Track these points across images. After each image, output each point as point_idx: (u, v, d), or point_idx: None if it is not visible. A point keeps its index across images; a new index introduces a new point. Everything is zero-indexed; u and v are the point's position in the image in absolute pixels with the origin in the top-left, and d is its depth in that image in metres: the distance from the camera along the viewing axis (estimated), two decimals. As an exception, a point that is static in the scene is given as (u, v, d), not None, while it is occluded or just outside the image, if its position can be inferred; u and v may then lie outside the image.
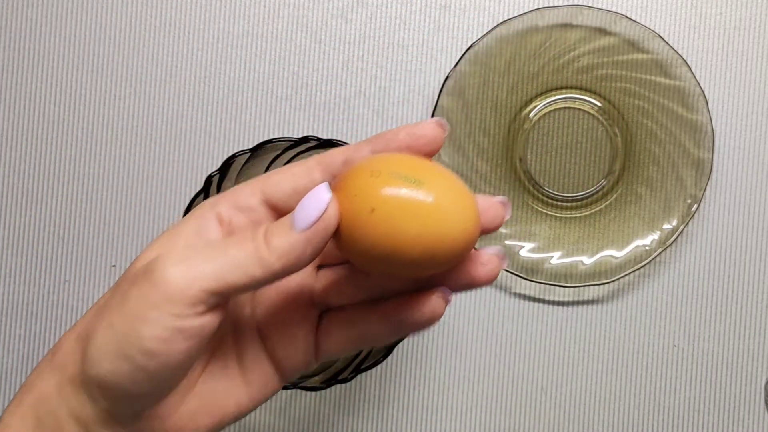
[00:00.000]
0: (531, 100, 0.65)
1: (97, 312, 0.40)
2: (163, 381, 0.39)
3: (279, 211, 0.42)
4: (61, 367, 0.40)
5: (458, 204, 0.40)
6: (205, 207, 0.41)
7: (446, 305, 0.42)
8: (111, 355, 0.38)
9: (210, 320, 0.38)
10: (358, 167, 0.40)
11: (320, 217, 0.38)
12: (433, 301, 0.42)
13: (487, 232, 0.41)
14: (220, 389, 0.41)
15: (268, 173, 0.42)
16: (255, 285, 0.38)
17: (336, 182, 0.40)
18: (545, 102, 0.65)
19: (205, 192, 0.57)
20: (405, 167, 0.40)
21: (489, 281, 0.42)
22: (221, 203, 0.41)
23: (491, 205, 0.41)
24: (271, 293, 0.43)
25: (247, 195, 0.41)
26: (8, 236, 0.65)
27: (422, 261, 0.40)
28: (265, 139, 0.59)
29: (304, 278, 0.43)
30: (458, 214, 0.40)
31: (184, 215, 0.57)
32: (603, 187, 0.66)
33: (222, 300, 0.38)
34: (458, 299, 0.65)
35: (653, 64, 0.64)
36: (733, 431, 0.65)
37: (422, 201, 0.39)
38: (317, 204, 0.38)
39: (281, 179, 0.41)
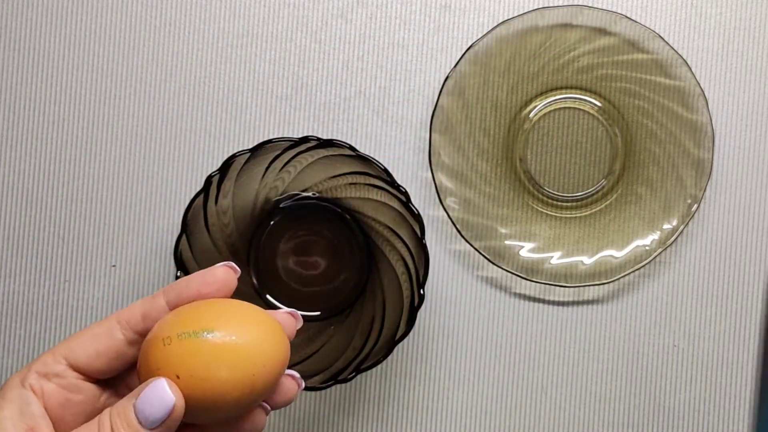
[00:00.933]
0: (531, 100, 0.65)
1: None
2: None
3: (84, 373, 0.44)
4: None
5: (259, 334, 0.42)
6: (14, 384, 0.42)
7: (267, 416, 0.45)
8: None
9: None
10: (151, 337, 0.42)
11: (169, 416, 0.40)
12: (257, 417, 0.44)
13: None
14: None
15: (69, 338, 0.44)
16: None
17: (139, 357, 0.42)
18: (545, 102, 0.65)
19: (205, 192, 0.57)
20: (194, 320, 0.42)
21: (291, 400, 0.46)
22: (29, 376, 0.43)
23: (284, 318, 0.45)
24: None
25: (51, 363, 0.43)
26: (8, 236, 0.65)
27: (242, 398, 0.42)
28: (265, 139, 0.59)
29: None
30: (260, 344, 0.42)
31: (184, 215, 0.57)
32: (603, 187, 0.66)
33: None
34: (458, 299, 0.65)
35: (653, 64, 0.64)
36: (732, 431, 0.65)
37: (221, 347, 0.41)
38: (164, 405, 0.40)
39: (82, 344, 0.43)
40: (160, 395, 0.40)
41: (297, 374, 0.46)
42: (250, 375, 0.42)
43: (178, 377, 0.41)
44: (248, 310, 0.44)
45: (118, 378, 0.46)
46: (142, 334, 0.44)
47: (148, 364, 0.42)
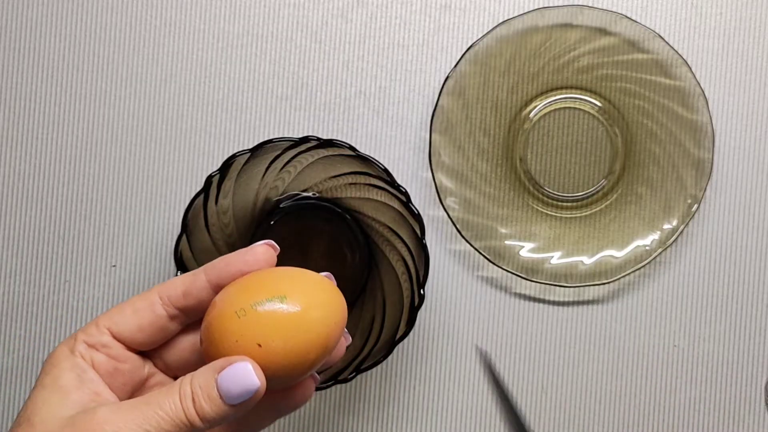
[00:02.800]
0: (531, 100, 0.65)
1: None
2: None
3: (129, 344, 0.45)
4: None
5: (325, 297, 0.44)
6: (66, 354, 0.44)
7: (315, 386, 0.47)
8: None
9: None
10: (219, 312, 0.43)
11: (251, 397, 0.41)
12: (308, 386, 0.46)
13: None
14: None
15: (110, 310, 0.45)
16: None
17: (208, 332, 0.43)
18: (545, 102, 0.65)
19: (205, 192, 0.57)
20: (264, 290, 0.43)
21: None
22: (78, 346, 0.44)
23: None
24: None
25: (96, 334, 0.44)
26: (8, 236, 0.65)
27: (317, 360, 0.43)
28: (265, 139, 0.59)
29: None
30: (329, 306, 0.44)
31: (185, 215, 0.57)
32: (603, 187, 0.66)
33: None
34: (458, 299, 0.65)
35: (653, 64, 0.64)
36: (732, 431, 0.65)
37: (297, 313, 0.42)
38: (248, 386, 0.41)
39: (125, 317, 0.44)
40: (245, 377, 0.41)
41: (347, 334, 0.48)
42: (324, 336, 0.43)
43: (259, 346, 0.42)
44: (308, 275, 0.45)
45: (153, 351, 0.47)
46: (183, 311, 0.45)
47: (223, 337, 0.42)
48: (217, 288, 0.45)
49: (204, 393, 0.41)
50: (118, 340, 0.45)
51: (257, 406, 0.44)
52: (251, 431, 0.46)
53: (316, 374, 0.48)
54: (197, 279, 0.45)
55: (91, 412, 0.41)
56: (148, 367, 0.46)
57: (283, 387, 0.45)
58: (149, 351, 0.47)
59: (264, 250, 0.45)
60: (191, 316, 0.46)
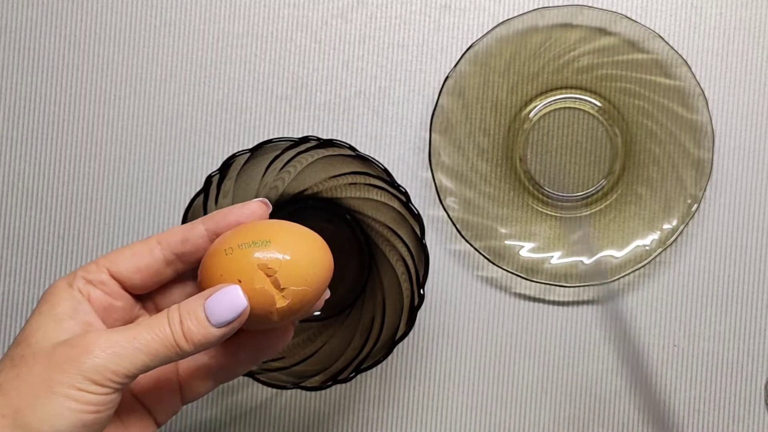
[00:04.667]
0: (531, 100, 0.65)
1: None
2: None
3: (125, 284, 0.47)
4: None
5: (310, 248, 0.47)
6: (63, 287, 0.46)
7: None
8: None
9: (117, 397, 0.43)
10: (213, 249, 0.46)
11: (237, 317, 0.44)
12: (287, 331, 0.49)
13: None
14: None
15: (110, 252, 0.48)
16: (165, 364, 0.44)
17: (201, 266, 0.46)
18: (545, 102, 0.65)
19: (205, 192, 0.57)
20: (252, 233, 0.46)
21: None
22: (77, 281, 0.46)
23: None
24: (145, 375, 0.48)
25: (95, 272, 0.47)
26: (8, 236, 0.65)
27: (292, 306, 0.46)
28: (265, 139, 0.59)
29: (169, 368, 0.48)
30: (312, 257, 0.46)
31: (184, 216, 0.57)
32: (603, 187, 0.66)
33: (132, 379, 0.43)
34: (458, 299, 0.65)
35: (653, 64, 0.64)
36: (732, 431, 0.65)
37: (276, 257, 0.45)
38: (235, 308, 0.44)
39: (124, 259, 0.47)
40: (233, 298, 0.44)
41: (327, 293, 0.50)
42: (303, 285, 0.46)
43: (240, 281, 0.45)
44: (297, 228, 0.48)
45: (147, 295, 0.49)
46: (180, 257, 0.48)
47: (210, 271, 0.46)
48: (213, 236, 0.48)
49: (191, 316, 0.44)
50: (116, 280, 0.47)
51: (235, 346, 0.47)
52: (230, 375, 0.49)
53: (295, 322, 0.50)
54: (195, 227, 0.48)
55: (83, 333, 0.43)
56: (138, 308, 0.49)
57: (260, 328, 0.47)
58: (143, 295, 0.49)
59: (258, 205, 0.49)
60: (186, 263, 0.48)
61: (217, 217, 0.48)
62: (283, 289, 0.45)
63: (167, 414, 0.48)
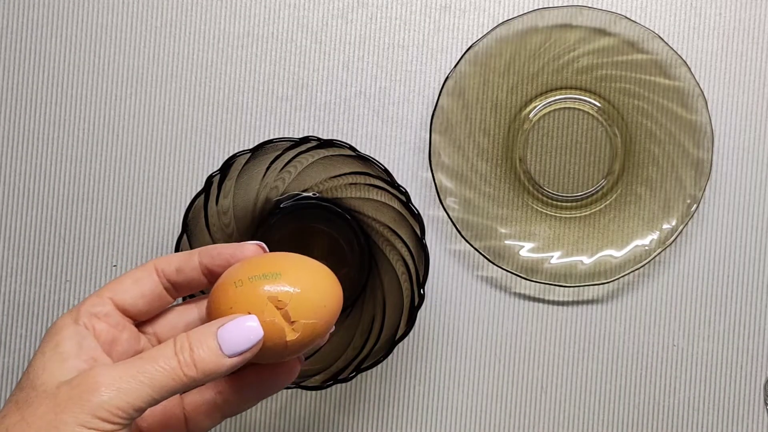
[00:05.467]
0: (531, 101, 0.66)
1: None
2: None
3: (129, 312, 0.47)
4: None
5: (314, 274, 0.46)
6: (67, 323, 0.45)
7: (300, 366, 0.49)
8: None
9: (126, 431, 0.42)
10: (222, 282, 0.46)
11: (250, 348, 0.44)
12: (293, 366, 0.48)
13: None
14: None
15: (110, 282, 0.47)
16: (173, 395, 0.43)
17: (211, 298, 0.46)
18: (545, 102, 0.66)
19: (205, 192, 0.57)
20: (262, 266, 0.45)
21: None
22: (81, 316, 0.46)
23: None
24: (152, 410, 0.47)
25: (98, 304, 0.46)
26: (10, 236, 0.66)
27: (303, 339, 0.45)
28: (266, 139, 0.59)
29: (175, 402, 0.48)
30: (323, 292, 0.46)
31: (185, 215, 0.57)
32: (602, 187, 0.66)
33: (140, 413, 0.42)
34: (458, 299, 0.65)
35: (653, 64, 0.64)
36: (732, 431, 0.65)
37: (287, 290, 0.45)
38: (251, 337, 0.44)
39: (126, 286, 0.47)
40: (249, 328, 0.44)
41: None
42: (313, 317, 0.45)
43: (249, 314, 0.44)
44: (308, 261, 0.47)
45: (148, 325, 0.49)
46: (174, 285, 0.48)
47: (219, 303, 0.45)
48: (206, 271, 0.48)
49: (203, 344, 0.43)
50: (120, 309, 0.47)
51: (241, 381, 0.47)
52: (236, 410, 0.48)
53: (303, 359, 0.50)
54: (191, 259, 0.48)
55: (87, 371, 0.43)
56: (143, 341, 0.48)
57: (268, 362, 0.47)
58: (144, 326, 0.49)
59: (254, 249, 0.48)
60: (180, 292, 0.48)
61: (213, 253, 0.48)
62: (293, 322, 0.45)
63: None
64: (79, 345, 0.45)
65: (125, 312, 0.47)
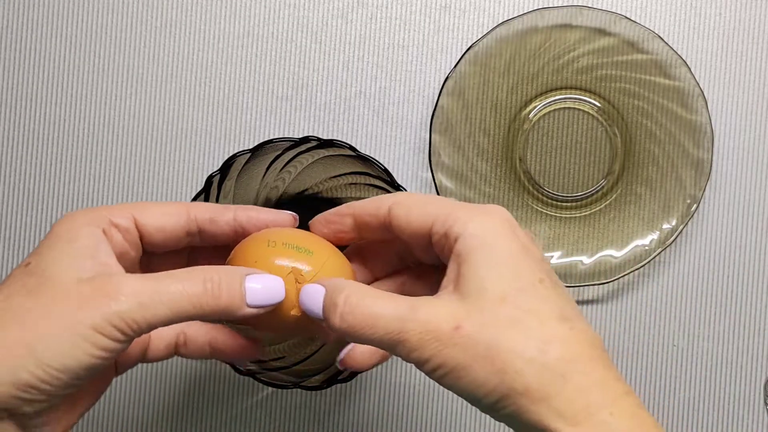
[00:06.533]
0: (531, 101, 0.66)
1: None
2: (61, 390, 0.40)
3: (144, 239, 0.45)
4: None
5: (341, 269, 0.46)
6: (84, 222, 0.43)
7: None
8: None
9: (125, 347, 0.41)
10: (256, 237, 0.46)
11: (267, 306, 0.43)
12: (256, 352, 0.48)
13: None
14: None
15: (139, 203, 0.46)
16: (180, 322, 0.42)
17: (236, 250, 0.46)
18: (545, 102, 0.66)
19: (205, 192, 0.57)
20: (298, 239, 0.46)
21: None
22: (101, 220, 0.44)
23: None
24: None
25: (121, 217, 0.44)
26: (9, 236, 0.66)
27: (307, 325, 0.45)
28: (266, 139, 0.59)
29: None
30: (343, 274, 0.46)
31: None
32: (602, 187, 0.66)
33: (148, 332, 0.41)
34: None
35: (653, 64, 0.64)
36: (732, 430, 0.65)
37: (310, 270, 0.45)
38: (273, 296, 0.43)
39: (152, 214, 0.45)
40: (276, 287, 0.43)
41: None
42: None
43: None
44: (345, 261, 0.47)
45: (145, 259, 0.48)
46: (201, 233, 0.46)
47: (247, 254, 0.45)
48: (239, 228, 0.47)
49: (229, 286, 0.42)
50: (138, 231, 0.45)
51: (216, 335, 0.47)
52: (188, 355, 0.48)
53: (264, 349, 0.50)
54: (225, 213, 0.47)
55: (109, 275, 0.41)
56: (139, 269, 0.48)
57: (263, 329, 0.47)
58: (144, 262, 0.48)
59: (290, 218, 0.48)
60: (203, 240, 0.47)
61: (251, 213, 0.47)
62: None
63: (125, 368, 0.47)
64: (96, 247, 0.43)
65: (142, 236, 0.45)
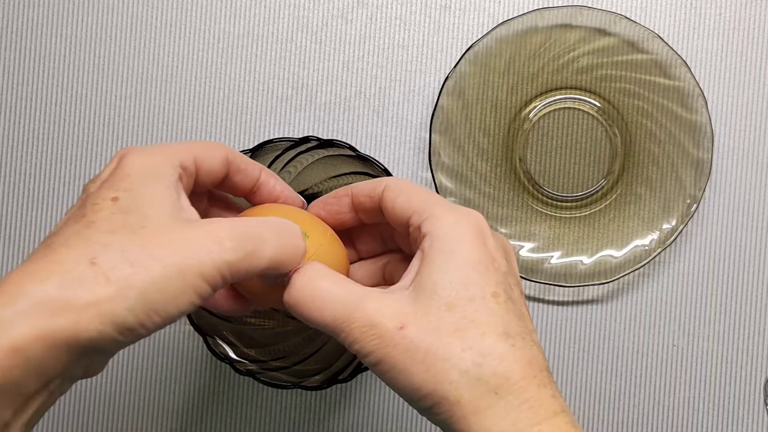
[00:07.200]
0: (531, 101, 0.66)
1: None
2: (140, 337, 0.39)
3: (196, 180, 0.44)
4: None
5: (335, 254, 0.46)
6: (160, 160, 0.41)
7: None
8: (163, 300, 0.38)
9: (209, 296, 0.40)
10: (265, 210, 0.46)
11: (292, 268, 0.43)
12: (242, 308, 0.48)
13: None
14: None
15: (193, 143, 0.44)
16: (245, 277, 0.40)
17: (247, 215, 0.45)
18: (545, 102, 0.66)
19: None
20: (298, 221, 0.45)
21: None
22: (174, 158, 0.42)
23: None
24: None
25: (188, 160, 0.43)
26: (9, 236, 0.66)
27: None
28: (266, 139, 0.59)
29: None
30: (336, 259, 0.46)
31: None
32: (602, 187, 0.66)
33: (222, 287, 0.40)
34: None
35: (653, 64, 0.64)
36: (732, 430, 0.65)
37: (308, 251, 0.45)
38: (299, 257, 0.43)
39: (207, 157, 0.44)
40: (297, 242, 0.43)
41: None
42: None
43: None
44: (333, 235, 0.48)
45: None
46: (223, 182, 0.45)
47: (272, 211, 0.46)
48: (255, 189, 0.47)
49: (293, 238, 0.42)
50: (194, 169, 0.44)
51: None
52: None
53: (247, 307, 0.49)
54: (255, 168, 0.46)
55: (208, 221, 0.40)
56: None
57: (251, 295, 0.47)
58: None
59: (301, 201, 0.48)
60: (218, 187, 0.46)
61: (272, 180, 0.47)
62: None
63: None
64: (177, 188, 0.41)
65: (197, 174, 0.44)
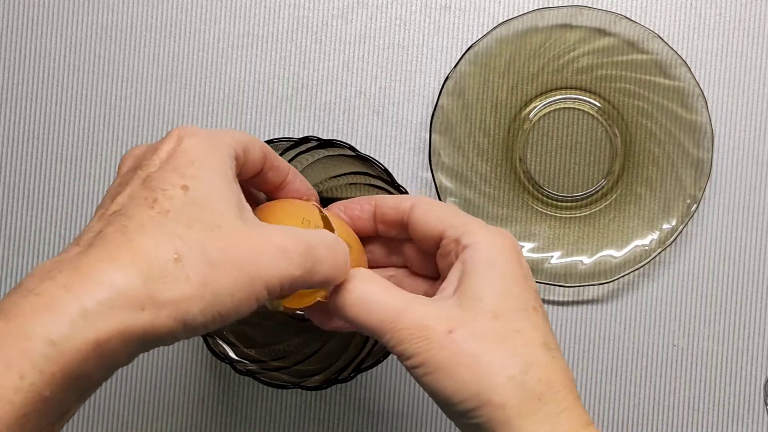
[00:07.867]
0: (531, 101, 0.66)
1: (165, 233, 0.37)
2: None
3: (243, 162, 0.43)
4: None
5: (359, 255, 0.48)
6: (220, 146, 0.41)
7: None
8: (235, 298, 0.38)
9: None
10: (289, 209, 0.47)
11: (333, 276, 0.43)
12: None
13: None
14: None
15: (237, 133, 0.44)
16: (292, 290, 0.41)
17: (275, 210, 0.46)
18: (545, 102, 0.66)
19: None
20: (317, 220, 0.47)
21: None
22: (228, 146, 0.41)
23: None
24: None
25: (239, 147, 0.43)
26: (9, 236, 0.66)
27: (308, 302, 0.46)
28: (266, 139, 0.59)
29: None
30: (362, 263, 0.48)
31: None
32: (602, 187, 0.66)
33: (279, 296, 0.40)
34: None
35: (653, 64, 0.64)
36: (732, 430, 0.65)
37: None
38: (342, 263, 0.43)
39: (250, 147, 0.43)
40: (343, 257, 0.43)
41: None
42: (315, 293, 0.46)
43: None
44: (356, 238, 0.49)
45: None
46: (244, 170, 0.44)
47: (286, 221, 0.46)
48: (280, 185, 0.47)
49: (342, 253, 0.43)
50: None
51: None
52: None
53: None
54: (284, 164, 0.46)
55: (267, 226, 0.40)
56: None
57: (289, 301, 0.47)
58: None
59: (315, 200, 0.49)
60: (249, 182, 0.46)
61: (298, 179, 0.47)
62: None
63: None
64: (237, 184, 0.41)
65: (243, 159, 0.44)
